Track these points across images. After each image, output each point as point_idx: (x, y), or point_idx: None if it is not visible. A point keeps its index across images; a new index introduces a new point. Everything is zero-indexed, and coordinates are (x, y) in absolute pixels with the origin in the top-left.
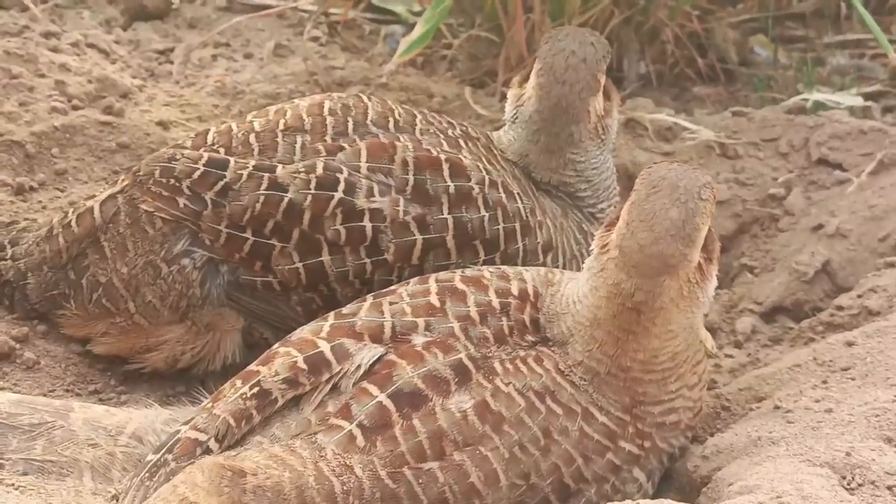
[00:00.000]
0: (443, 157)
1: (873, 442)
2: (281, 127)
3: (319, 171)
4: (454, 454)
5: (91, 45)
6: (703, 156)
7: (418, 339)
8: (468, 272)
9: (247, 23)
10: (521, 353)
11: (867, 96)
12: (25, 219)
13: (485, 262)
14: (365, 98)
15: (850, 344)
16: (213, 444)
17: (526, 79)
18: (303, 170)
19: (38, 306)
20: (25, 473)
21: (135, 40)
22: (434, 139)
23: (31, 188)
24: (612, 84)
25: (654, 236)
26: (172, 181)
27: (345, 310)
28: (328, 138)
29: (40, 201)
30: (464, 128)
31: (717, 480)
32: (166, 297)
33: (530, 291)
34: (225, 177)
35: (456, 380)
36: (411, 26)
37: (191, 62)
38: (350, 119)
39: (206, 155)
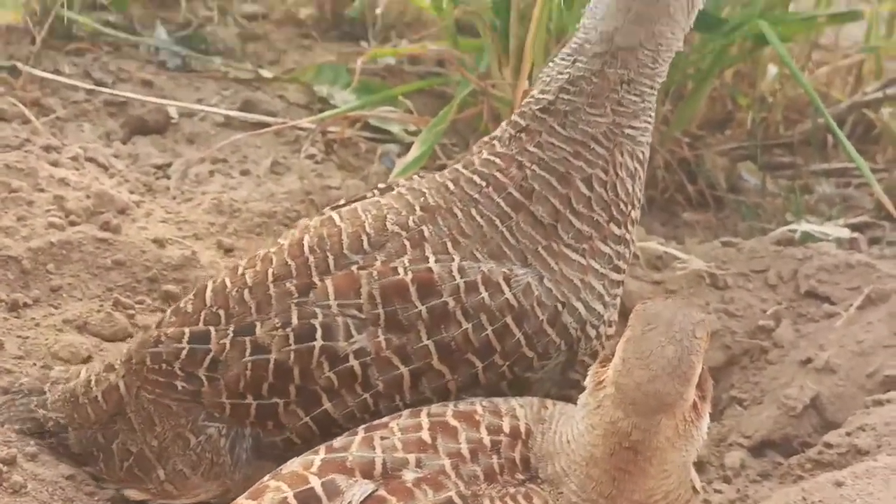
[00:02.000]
0: (409, 276)
1: None
2: (270, 278)
3: (294, 322)
4: None
5: (90, 159)
6: (693, 285)
7: (409, 476)
8: (461, 406)
9: (245, 139)
10: (511, 491)
11: (854, 227)
12: (19, 335)
13: (485, 368)
14: (337, 219)
15: (839, 484)
16: None
17: None
18: (279, 325)
19: (80, 458)
20: None
21: (134, 154)
22: (396, 244)
23: (26, 304)
24: None
25: (650, 374)
26: (164, 366)
27: (336, 443)
28: (315, 279)
29: (33, 318)
30: (422, 201)
31: None
32: (197, 467)
33: (522, 429)
34: (210, 350)
35: None
36: (406, 145)
37: (188, 178)
38: (329, 253)
39: (187, 332)
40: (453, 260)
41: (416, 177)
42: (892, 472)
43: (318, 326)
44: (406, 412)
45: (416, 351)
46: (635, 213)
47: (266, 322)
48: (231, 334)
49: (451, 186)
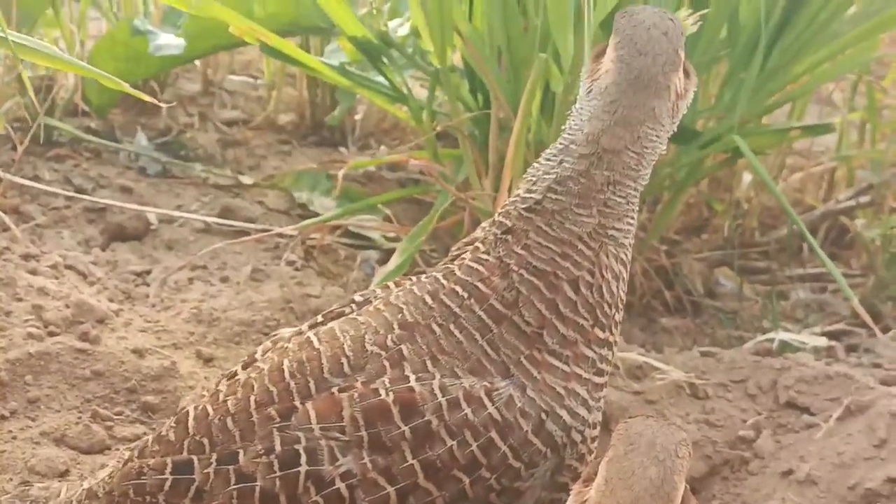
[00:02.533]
0: (391, 398)
1: None
2: (253, 405)
3: (278, 448)
4: None
5: (70, 267)
6: (673, 395)
7: None
8: None
9: (225, 246)
10: None
11: (830, 335)
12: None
13: (472, 483)
14: (315, 342)
15: None
16: None
17: (600, 55)
18: (262, 451)
19: None
20: None
21: (112, 261)
22: (376, 365)
23: (3, 417)
24: (690, 64)
25: (633, 495)
26: (149, 498)
27: None
28: (296, 403)
29: (10, 431)
30: (400, 318)
31: None
32: None
33: None
34: (195, 480)
35: None
36: (386, 251)
37: (168, 285)
38: (309, 378)
39: (170, 462)
40: (434, 378)
41: (392, 287)
42: None
43: (301, 452)
44: None
45: (401, 471)
46: (619, 316)
47: (249, 449)
48: (214, 463)
49: (430, 300)
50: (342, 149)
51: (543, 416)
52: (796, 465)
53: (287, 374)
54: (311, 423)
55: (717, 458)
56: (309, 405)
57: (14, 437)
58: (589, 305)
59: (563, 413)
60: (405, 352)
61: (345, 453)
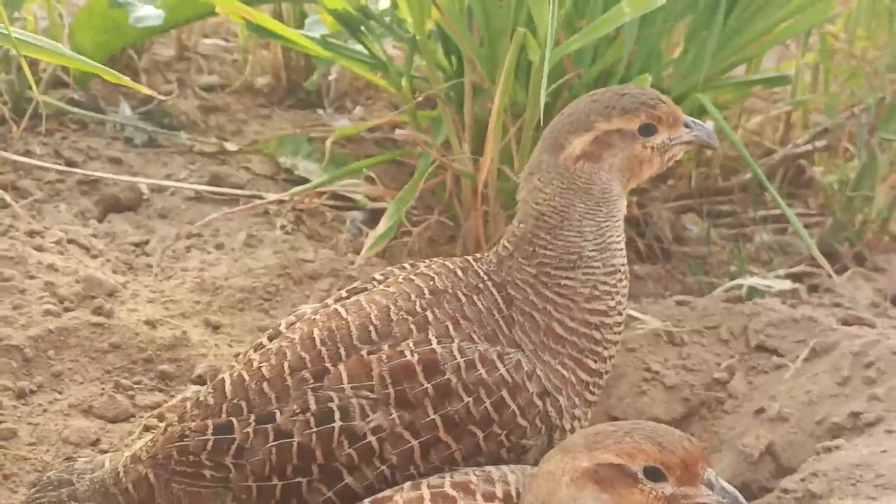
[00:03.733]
0: (415, 358)
1: None
2: (287, 370)
3: (313, 406)
4: None
5: (72, 241)
6: (652, 343)
7: None
8: (457, 477)
9: (216, 211)
10: None
11: (793, 276)
12: (29, 422)
13: (485, 438)
14: (343, 312)
15: None
16: None
17: None
18: (298, 410)
19: None
20: None
21: (111, 233)
22: (403, 328)
23: (31, 391)
24: (643, 148)
25: None
26: (192, 458)
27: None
28: (328, 366)
29: (40, 404)
30: (431, 285)
31: None
32: None
33: (513, 493)
34: (235, 439)
35: None
36: (369, 211)
37: (166, 255)
38: (339, 344)
39: (211, 424)
40: (454, 341)
41: (425, 263)
42: None
43: (335, 409)
44: (407, 485)
45: (424, 425)
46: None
47: (285, 409)
48: (253, 423)
49: (460, 273)
50: (319, 111)
51: (546, 382)
52: (768, 403)
53: (318, 342)
54: (342, 384)
55: (695, 400)
56: (340, 367)
57: (45, 410)
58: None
59: (562, 398)
60: (430, 317)
61: (374, 410)
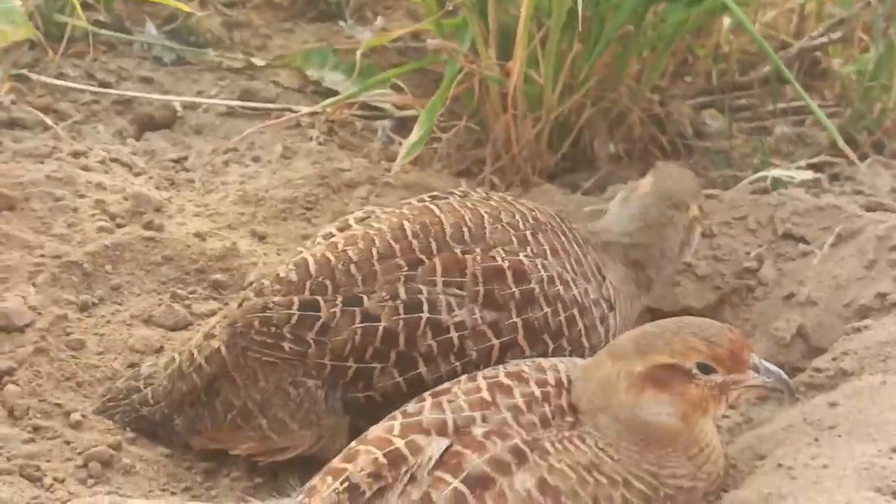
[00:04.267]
0: (506, 264)
1: (866, 493)
2: (375, 256)
3: (403, 295)
4: None
5: (115, 160)
6: None
7: (478, 431)
8: (510, 367)
9: (248, 125)
10: (566, 434)
11: (814, 167)
12: (95, 333)
13: (554, 349)
14: (437, 210)
15: (833, 404)
16: None
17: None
18: (387, 297)
19: (185, 437)
20: None
21: (150, 150)
22: (504, 237)
23: (94, 304)
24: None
25: None
26: (273, 329)
27: (409, 409)
28: (422, 257)
29: (103, 315)
30: (534, 215)
31: None
32: (295, 415)
33: (564, 380)
34: (320, 317)
35: (515, 461)
36: (398, 119)
37: (206, 169)
38: (431, 239)
39: (296, 300)
40: (537, 258)
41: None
42: (876, 390)
43: (424, 301)
44: (464, 377)
45: (506, 326)
46: None
47: (373, 295)
48: (340, 304)
49: (560, 219)
50: (340, 22)
51: (607, 310)
52: (797, 289)
53: (409, 234)
54: (435, 276)
55: (726, 288)
56: (436, 259)
57: (108, 322)
58: None
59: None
60: (530, 237)
61: (460, 306)
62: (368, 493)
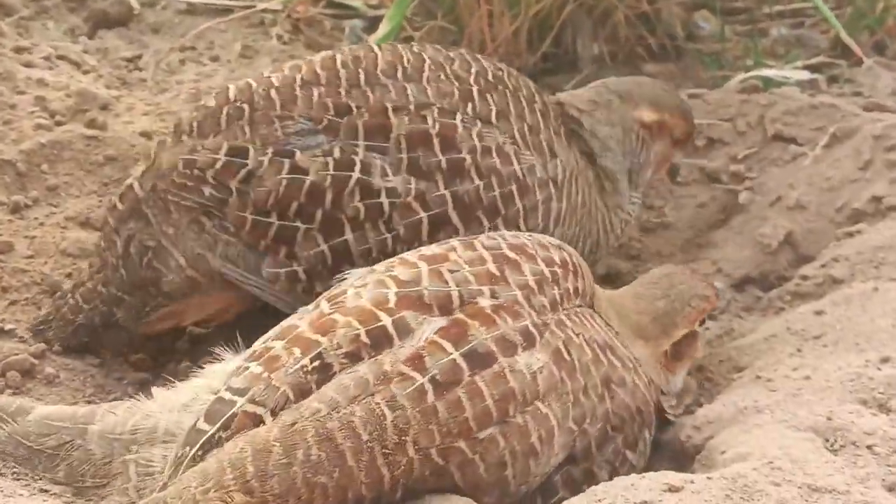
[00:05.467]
0: (435, 129)
1: (850, 405)
2: (298, 82)
3: (337, 154)
4: (517, 416)
5: (62, 57)
6: None
7: (486, 303)
8: (510, 239)
9: (210, 25)
10: (580, 311)
11: (812, 68)
12: (26, 236)
13: (489, 230)
14: (375, 48)
15: (819, 313)
16: (268, 419)
17: None
18: (319, 154)
19: (132, 329)
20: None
21: (102, 48)
22: (444, 88)
23: (27, 205)
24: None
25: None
26: (196, 171)
27: (402, 276)
28: (342, 90)
29: (37, 218)
30: (495, 72)
31: (709, 449)
32: (214, 248)
33: (569, 260)
34: (247, 164)
35: (523, 344)
36: (370, 19)
37: (160, 68)
38: (361, 70)
39: (225, 144)
40: (476, 125)
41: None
42: (867, 297)
43: (357, 162)
44: (457, 243)
45: (434, 199)
46: None
47: (305, 151)
48: (270, 154)
49: (533, 86)
50: None
51: (555, 198)
52: (785, 192)
53: (339, 63)
54: (357, 140)
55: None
56: (359, 122)
57: (41, 224)
58: None
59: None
60: (476, 95)
61: (395, 173)
62: (338, 372)
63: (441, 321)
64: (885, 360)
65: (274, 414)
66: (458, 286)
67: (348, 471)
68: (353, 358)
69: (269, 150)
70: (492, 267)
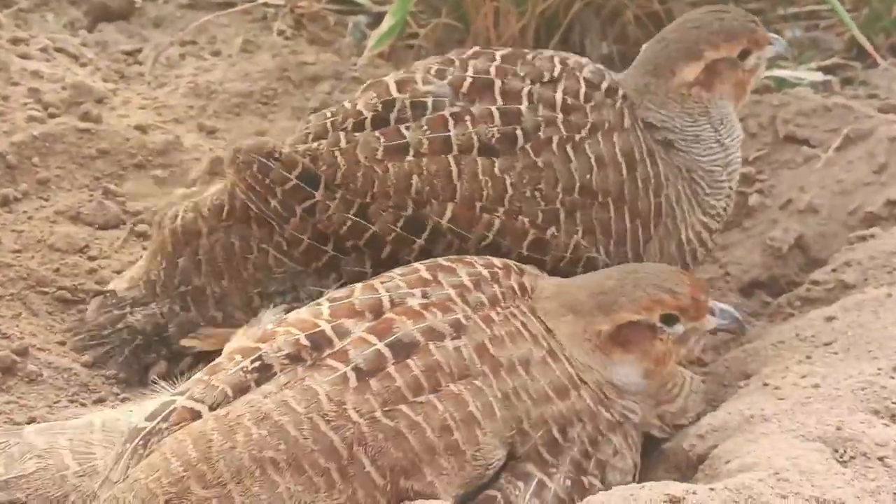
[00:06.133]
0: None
1: (861, 415)
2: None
3: (409, 212)
4: (450, 385)
5: (59, 50)
6: None
7: (414, 302)
8: (451, 257)
9: (212, 19)
10: (515, 311)
11: (826, 69)
12: (13, 230)
13: None
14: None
15: (830, 319)
16: (206, 413)
17: None
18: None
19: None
20: None
21: (101, 42)
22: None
23: (16, 198)
24: (745, 77)
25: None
26: (268, 181)
27: (337, 293)
28: None
29: (25, 211)
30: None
31: (713, 458)
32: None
33: (511, 263)
34: (314, 196)
35: (453, 335)
36: (375, 15)
37: (160, 62)
38: None
39: (301, 164)
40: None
41: None
42: (880, 303)
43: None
44: (398, 268)
45: None
46: None
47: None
48: (338, 196)
49: None
50: None
51: None
52: (797, 195)
53: None
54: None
55: None
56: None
57: (30, 217)
58: None
59: None
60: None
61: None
62: (279, 373)
63: (371, 323)
64: None
65: (212, 409)
66: (388, 292)
67: (293, 440)
68: (294, 359)
69: (338, 195)
70: (425, 274)
